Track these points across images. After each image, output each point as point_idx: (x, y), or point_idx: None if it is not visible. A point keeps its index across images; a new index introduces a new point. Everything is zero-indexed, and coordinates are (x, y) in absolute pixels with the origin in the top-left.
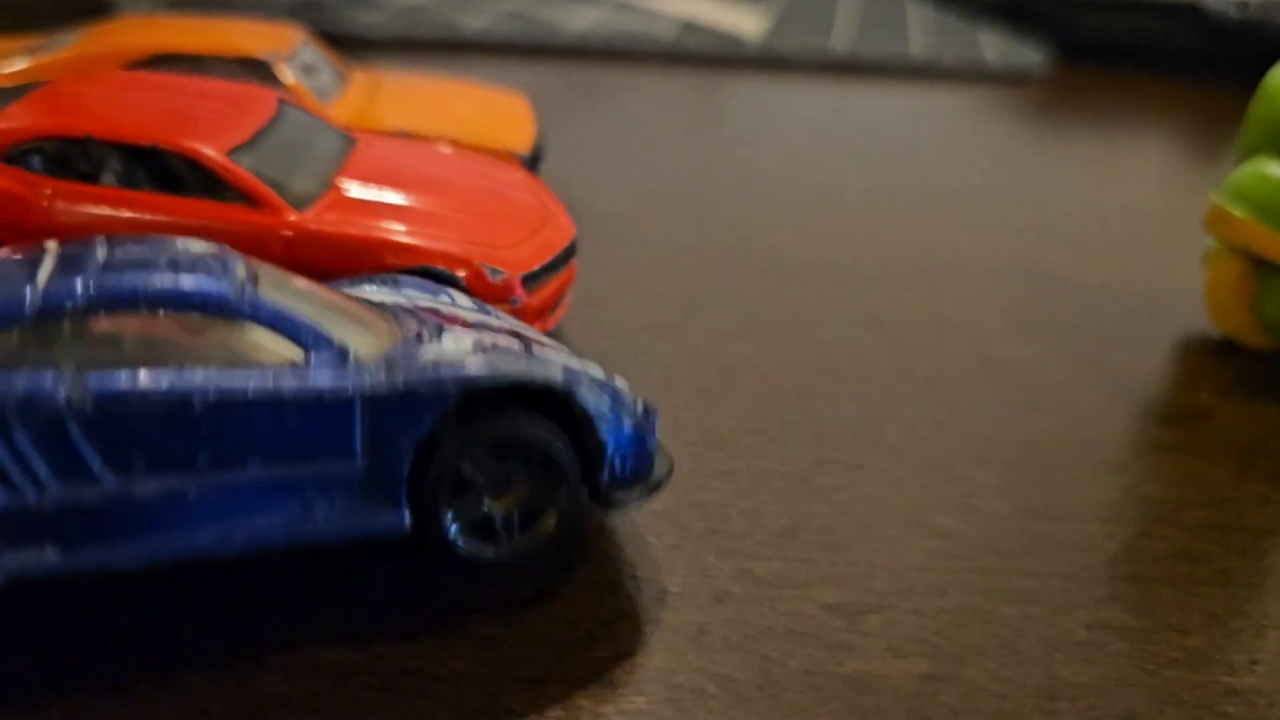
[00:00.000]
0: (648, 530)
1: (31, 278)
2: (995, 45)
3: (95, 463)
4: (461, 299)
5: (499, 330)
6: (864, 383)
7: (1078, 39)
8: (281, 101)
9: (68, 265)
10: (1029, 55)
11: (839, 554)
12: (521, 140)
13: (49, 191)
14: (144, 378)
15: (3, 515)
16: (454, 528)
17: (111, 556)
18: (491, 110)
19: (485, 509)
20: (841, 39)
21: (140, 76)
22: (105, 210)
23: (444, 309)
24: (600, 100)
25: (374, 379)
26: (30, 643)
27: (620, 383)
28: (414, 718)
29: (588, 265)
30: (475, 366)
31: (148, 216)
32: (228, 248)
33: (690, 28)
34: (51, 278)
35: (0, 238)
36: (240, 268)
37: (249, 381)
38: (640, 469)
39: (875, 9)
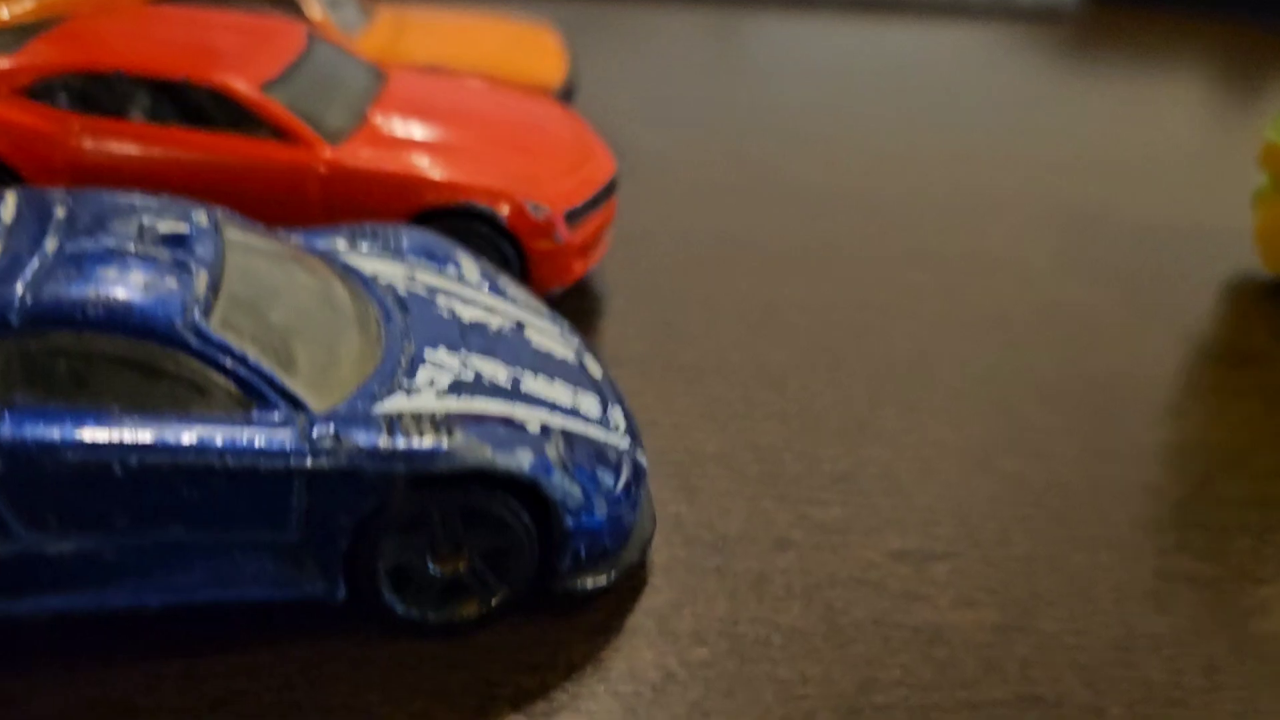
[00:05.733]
0: (702, 475)
1: None
2: None
3: (6, 517)
4: (470, 270)
5: (500, 331)
6: (916, 321)
7: None
8: (310, 35)
9: (12, 256)
10: None
11: (901, 499)
12: (554, 73)
13: (77, 128)
14: (59, 435)
15: None
16: (391, 594)
17: (19, 608)
18: (522, 44)
19: (430, 571)
20: None
21: (164, 10)
22: (135, 147)
23: (443, 290)
24: (621, 37)
25: (317, 452)
26: None
27: (614, 421)
28: (480, 668)
29: (623, 202)
30: (433, 446)
31: (179, 153)
32: (209, 214)
33: None
34: None
35: (29, 175)
36: (202, 276)
37: (178, 440)
38: (609, 551)
39: None
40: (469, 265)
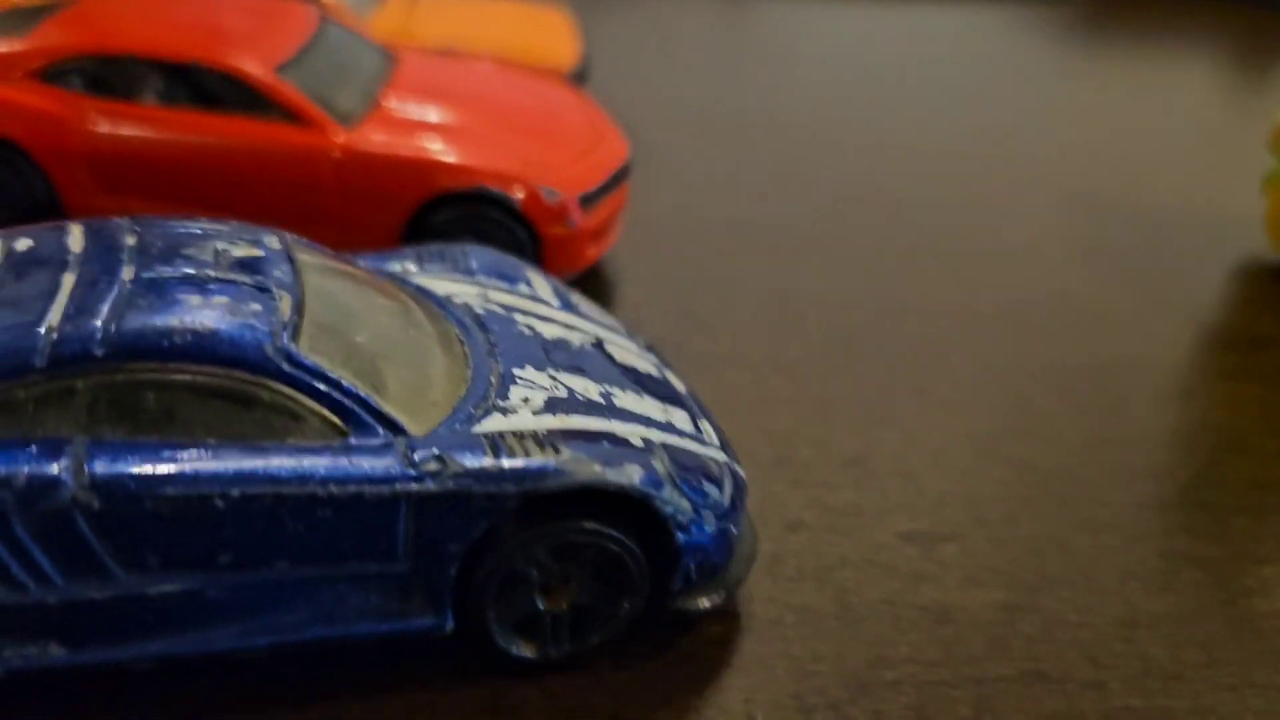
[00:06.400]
0: None
1: (46, 304)
2: None
3: (105, 559)
4: (541, 287)
5: (582, 348)
6: (927, 309)
7: None
8: (322, 17)
9: (89, 285)
10: None
11: (911, 483)
12: (567, 56)
13: (90, 111)
14: (155, 469)
15: (2, 610)
16: (498, 627)
17: (121, 654)
18: (535, 25)
19: (537, 606)
20: None
21: None
22: (148, 130)
23: (520, 310)
24: (635, 20)
25: (422, 476)
26: None
27: (707, 434)
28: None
29: (636, 188)
30: (541, 464)
31: (191, 136)
32: (279, 237)
33: None
34: (69, 310)
35: (42, 158)
36: (285, 299)
37: (278, 472)
38: (718, 567)
39: None
40: (540, 283)
